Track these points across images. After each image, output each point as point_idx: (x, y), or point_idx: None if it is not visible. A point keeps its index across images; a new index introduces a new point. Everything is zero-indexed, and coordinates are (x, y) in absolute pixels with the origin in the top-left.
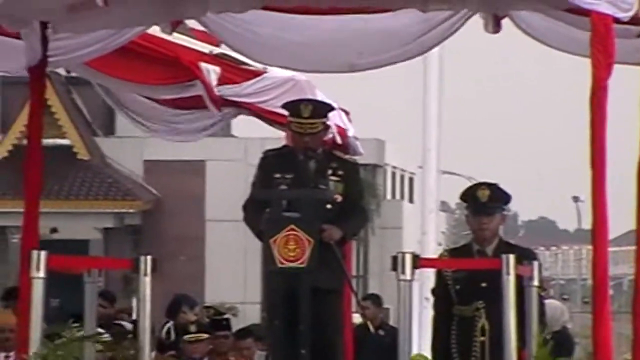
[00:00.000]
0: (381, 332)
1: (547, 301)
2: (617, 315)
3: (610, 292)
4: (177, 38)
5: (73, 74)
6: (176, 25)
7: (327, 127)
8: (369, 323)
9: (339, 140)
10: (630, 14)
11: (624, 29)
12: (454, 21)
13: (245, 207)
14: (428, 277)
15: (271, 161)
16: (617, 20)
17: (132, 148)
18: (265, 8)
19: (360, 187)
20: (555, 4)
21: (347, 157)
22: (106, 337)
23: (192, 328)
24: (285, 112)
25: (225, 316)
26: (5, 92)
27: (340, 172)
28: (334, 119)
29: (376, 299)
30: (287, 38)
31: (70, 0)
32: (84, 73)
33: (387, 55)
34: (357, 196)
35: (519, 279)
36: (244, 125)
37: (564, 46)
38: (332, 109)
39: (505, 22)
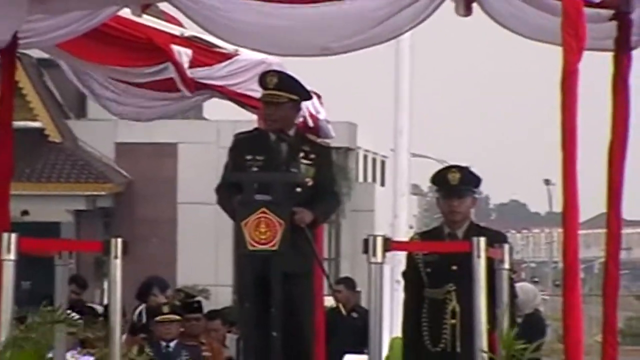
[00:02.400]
0: (354, 315)
1: (519, 284)
2: (588, 297)
3: (581, 275)
4: (148, 20)
5: (45, 56)
6: (146, 8)
7: (298, 107)
8: (341, 306)
9: (310, 123)
10: None
11: (595, 13)
12: (425, 4)
13: (218, 190)
14: (400, 260)
15: (243, 143)
16: (588, 4)
17: (103, 131)
18: None
19: (332, 171)
20: None
21: (319, 140)
22: (77, 319)
23: (165, 309)
24: (257, 95)
25: (197, 299)
26: None
27: (312, 156)
28: (306, 102)
29: (349, 282)
30: (259, 21)
31: None
32: (56, 55)
33: (358, 38)
34: (329, 180)
35: (490, 261)
36: (216, 108)
37: (530, 34)
38: (299, 85)
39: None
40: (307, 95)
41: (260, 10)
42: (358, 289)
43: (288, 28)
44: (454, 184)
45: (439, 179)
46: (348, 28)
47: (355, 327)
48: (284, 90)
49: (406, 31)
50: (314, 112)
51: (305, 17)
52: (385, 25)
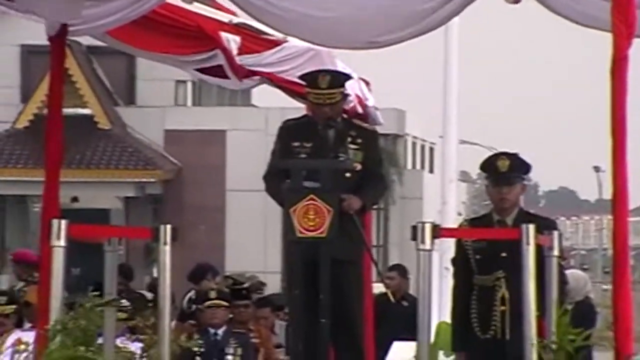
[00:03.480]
0: (404, 303)
1: (570, 271)
2: (638, 285)
3: (631, 262)
4: (198, 7)
5: (95, 44)
6: None
7: (346, 95)
8: (389, 293)
9: (359, 109)
10: None
11: None
12: None
13: (266, 178)
14: (449, 247)
15: (290, 130)
16: None
17: (153, 117)
18: None
19: (379, 155)
20: None
21: (366, 125)
22: (127, 305)
23: (212, 294)
24: (302, 82)
25: (245, 285)
26: (26, 62)
27: (359, 140)
28: (354, 89)
29: (402, 269)
30: (307, 12)
31: None
32: (106, 41)
33: (406, 32)
34: (377, 164)
35: (539, 248)
36: (264, 95)
37: (580, 19)
38: (349, 77)
39: None
40: (349, 77)
41: (309, 1)
42: (409, 276)
43: (335, 20)
44: (504, 171)
45: (489, 166)
46: (394, 23)
47: (405, 314)
48: (336, 87)
49: (453, 17)
50: (362, 99)
51: (350, 11)
52: (430, 18)
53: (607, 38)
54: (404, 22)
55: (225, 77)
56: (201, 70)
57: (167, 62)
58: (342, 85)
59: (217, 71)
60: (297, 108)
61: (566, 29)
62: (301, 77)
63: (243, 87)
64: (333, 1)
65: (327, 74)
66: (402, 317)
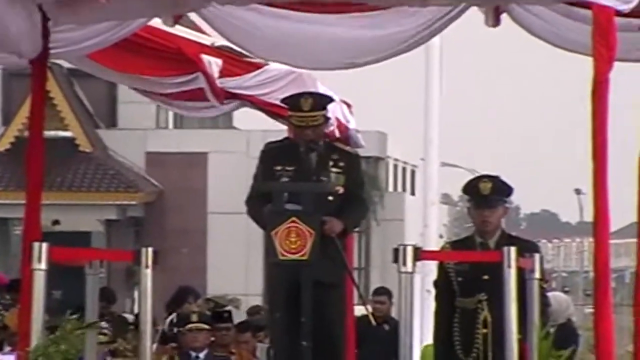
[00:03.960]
0: (386, 327)
1: (552, 294)
2: (619, 307)
3: (612, 284)
4: (179, 30)
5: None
6: (179, 18)
7: (328, 118)
8: (370, 316)
9: (337, 133)
10: (632, 5)
11: (626, 22)
12: (452, 15)
13: (248, 201)
14: (430, 270)
15: (273, 153)
16: (619, 13)
17: (134, 140)
18: (267, 3)
19: (361, 179)
20: None
21: (348, 148)
22: (107, 328)
23: (193, 317)
24: (284, 105)
25: (227, 308)
26: (7, 85)
27: (341, 164)
28: (335, 112)
29: (390, 293)
30: (287, 35)
31: None
32: (85, 66)
33: (387, 53)
34: (358, 188)
35: (521, 271)
36: (246, 118)
37: (561, 43)
38: (331, 100)
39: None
40: (331, 100)
41: (289, 20)
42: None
43: (314, 42)
44: (486, 194)
45: (471, 188)
46: (373, 46)
47: (386, 338)
48: (318, 110)
49: (432, 38)
50: (344, 122)
51: (331, 35)
52: (410, 42)
53: (589, 60)
54: (385, 44)
55: (205, 99)
56: (182, 93)
57: (147, 86)
58: (325, 108)
59: (197, 94)
60: (279, 130)
61: (548, 52)
62: (283, 101)
63: (224, 111)
64: (313, 24)
65: (310, 97)
66: (384, 341)
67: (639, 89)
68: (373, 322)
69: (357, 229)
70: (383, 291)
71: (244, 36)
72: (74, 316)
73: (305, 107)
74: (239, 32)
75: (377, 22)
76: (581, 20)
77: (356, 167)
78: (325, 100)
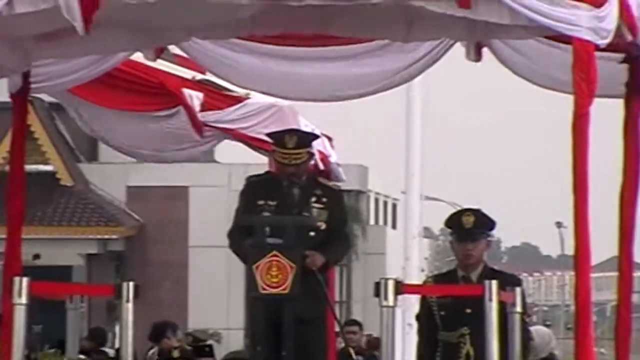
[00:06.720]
0: (360, 358)
1: (535, 327)
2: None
3: (593, 318)
4: (160, 64)
5: (57, 100)
6: (160, 52)
7: (312, 155)
8: (350, 350)
9: (321, 166)
10: (607, 41)
11: (607, 56)
12: (435, 52)
13: (230, 235)
14: (412, 303)
15: (255, 188)
16: (599, 48)
17: (115, 174)
18: (249, 38)
19: (344, 215)
20: (536, 32)
21: (331, 184)
22: None
23: (175, 353)
24: (269, 140)
25: (208, 342)
26: None
27: (324, 200)
28: (317, 145)
29: (359, 324)
30: (270, 68)
31: (50, 27)
32: (66, 100)
33: (370, 88)
34: (341, 224)
35: (503, 305)
36: (228, 151)
37: (542, 82)
38: (316, 137)
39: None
40: (316, 137)
41: (271, 53)
42: (369, 332)
43: (298, 75)
44: (468, 227)
45: (453, 222)
46: (356, 81)
47: None
48: (302, 147)
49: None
50: (325, 155)
51: (314, 70)
52: (394, 78)
53: (569, 95)
54: (365, 82)
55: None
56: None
57: (128, 121)
58: (309, 145)
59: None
60: (260, 164)
61: (529, 85)
62: (268, 135)
63: (206, 149)
64: (296, 58)
65: (295, 134)
66: None
67: (618, 122)
68: (354, 356)
69: (338, 264)
70: (353, 322)
71: (226, 68)
72: (52, 350)
73: (289, 145)
74: (220, 65)
75: (360, 63)
76: (560, 56)
77: (339, 203)
78: (310, 137)
